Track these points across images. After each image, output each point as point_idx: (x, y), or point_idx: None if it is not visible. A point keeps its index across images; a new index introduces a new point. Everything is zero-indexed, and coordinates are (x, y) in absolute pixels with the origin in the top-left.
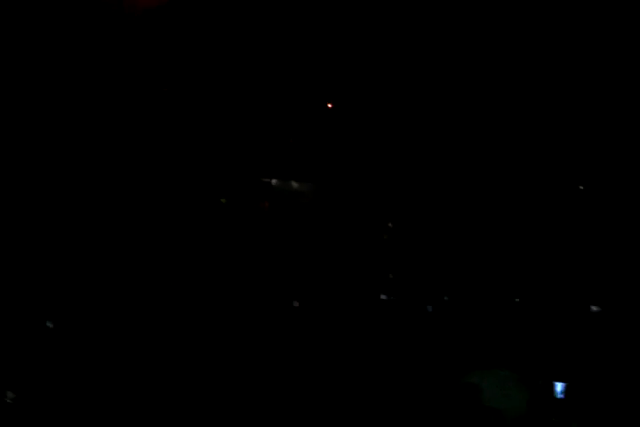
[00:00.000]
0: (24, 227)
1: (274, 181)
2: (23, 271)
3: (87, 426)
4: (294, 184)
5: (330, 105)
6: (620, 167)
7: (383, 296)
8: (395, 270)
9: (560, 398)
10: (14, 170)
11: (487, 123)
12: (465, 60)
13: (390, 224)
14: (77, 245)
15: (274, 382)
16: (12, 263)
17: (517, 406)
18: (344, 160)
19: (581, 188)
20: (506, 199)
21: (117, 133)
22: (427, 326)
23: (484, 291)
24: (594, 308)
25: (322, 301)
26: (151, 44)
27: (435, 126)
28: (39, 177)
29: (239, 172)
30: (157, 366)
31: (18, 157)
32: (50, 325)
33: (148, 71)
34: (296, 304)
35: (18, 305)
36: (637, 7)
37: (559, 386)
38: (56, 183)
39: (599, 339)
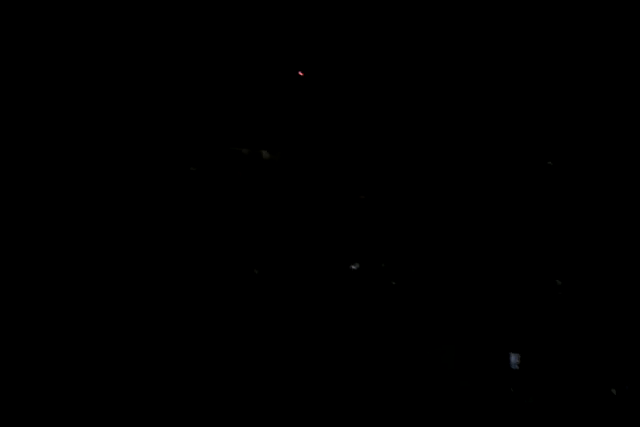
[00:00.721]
0: (24, 227)
1: (244, 151)
2: (23, 270)
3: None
4: (265, 154)
5: (301, 73)
6: (620, 167)
7: (354, 266)
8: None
9: (515, 370)
10: (14, 170)
11: (488, 121)
12: (465, 60)
13: (363, 197)
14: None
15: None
16: (11, 260)
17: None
18: (317, 129)
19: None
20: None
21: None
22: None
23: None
24: (558, 282)
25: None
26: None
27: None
28: (39, 177)
29: (209, 140)
30: (157, 366)
31: (18, 156)
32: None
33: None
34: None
35: (17, 305)
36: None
37: (513, 357)
38: (56, 183)
39: (560, 310)
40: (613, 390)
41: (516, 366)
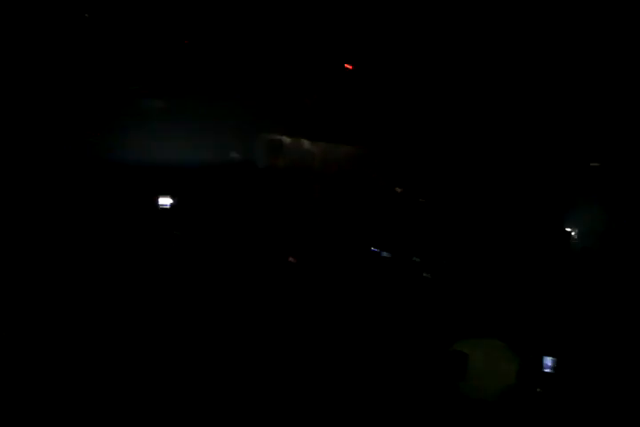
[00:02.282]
0: (24, 227)
1: (285, 139)
2: (23, 271)
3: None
4: (306, 143)
5: (349, 66)
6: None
7: (384, 253)
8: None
9: (548, 373)
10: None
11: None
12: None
13: (399, 189)
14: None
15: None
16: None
17: (505, 376)
18: (360, 121)
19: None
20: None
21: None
22: (421, 293)
23: (483, 260)
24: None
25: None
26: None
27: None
28: (39, 177)
29: (249, 128)
30: (157, 366)
31: (18, 156)
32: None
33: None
34: (293, 260)
35: (17, 306)
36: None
37: (548, 360)
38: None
39: (594, 317)
40: None
41: (551, 370)
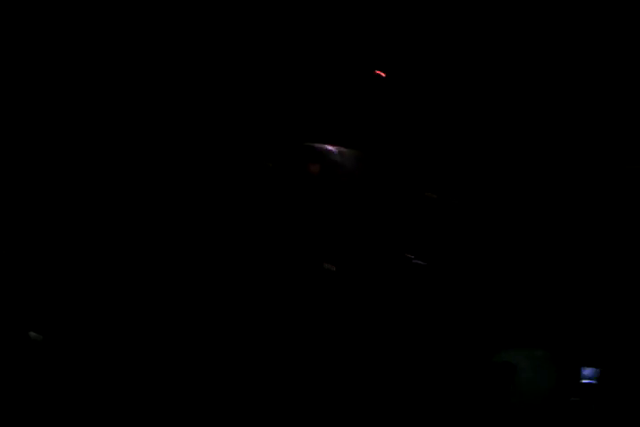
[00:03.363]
0: (24, 227)
1: (317, 146)
2: (22, 272)
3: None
4: (339, 150)
5: (382, 73)
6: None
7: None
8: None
9: (587, 384)
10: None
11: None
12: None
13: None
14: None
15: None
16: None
17: (549, 386)
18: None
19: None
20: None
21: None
22: (459, 300)
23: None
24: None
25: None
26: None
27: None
28: (39, 177)
29: (285, 135)
30: (157, 366)
31: (18, 156)
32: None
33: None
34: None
35: (17, 306)
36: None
37: (588, 371)
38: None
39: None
40: None
41: (590, 381)
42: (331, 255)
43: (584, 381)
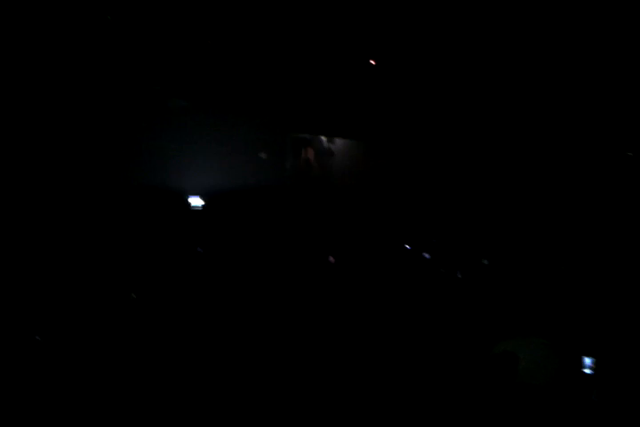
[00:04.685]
0: (24, 227)
1: (305, 136)
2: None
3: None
4: (333, 141)
5: (373, 62)
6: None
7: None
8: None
9: (588, 374)
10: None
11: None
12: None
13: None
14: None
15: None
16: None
17: (550, 375)
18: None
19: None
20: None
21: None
22: (458, 292)
23: (523, 260)
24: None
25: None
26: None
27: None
28: (39, 177)
29: (275, 128)
30: (157, 366)
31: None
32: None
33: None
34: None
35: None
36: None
37: (588, 360)
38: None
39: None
40: None
41: (590, 370)
42: (330, 249)
43: (585, 370)
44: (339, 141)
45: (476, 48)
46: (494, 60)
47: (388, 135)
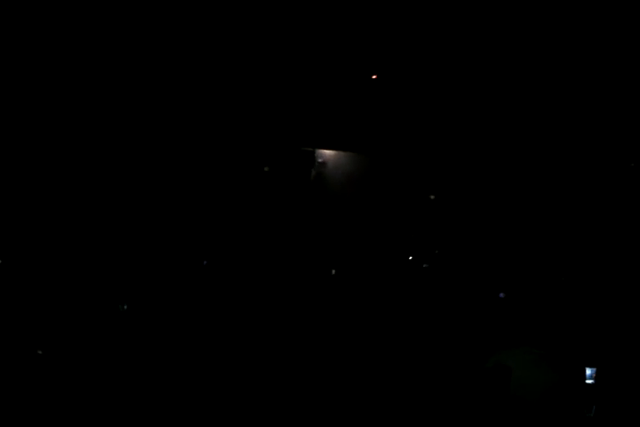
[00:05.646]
0: (24, 227)
1: (316, 151)
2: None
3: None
4: (332, 154)
5: (374, 76)
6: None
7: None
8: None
9: (588, 384)
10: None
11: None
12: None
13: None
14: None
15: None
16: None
17: (545, 386)
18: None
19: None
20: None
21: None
22: (454, 304)
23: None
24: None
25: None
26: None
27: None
28: (39, 177)
29: (281, 140)
30: (157, 366)
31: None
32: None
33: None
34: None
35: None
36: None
37: (589, 371)
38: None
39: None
40: None
41: (592, 380)
42: (331, 257)
43: (587, 381)
44: (328, 151)
45: (474, 58)
46: (493, 71)
47: (387, 146)
